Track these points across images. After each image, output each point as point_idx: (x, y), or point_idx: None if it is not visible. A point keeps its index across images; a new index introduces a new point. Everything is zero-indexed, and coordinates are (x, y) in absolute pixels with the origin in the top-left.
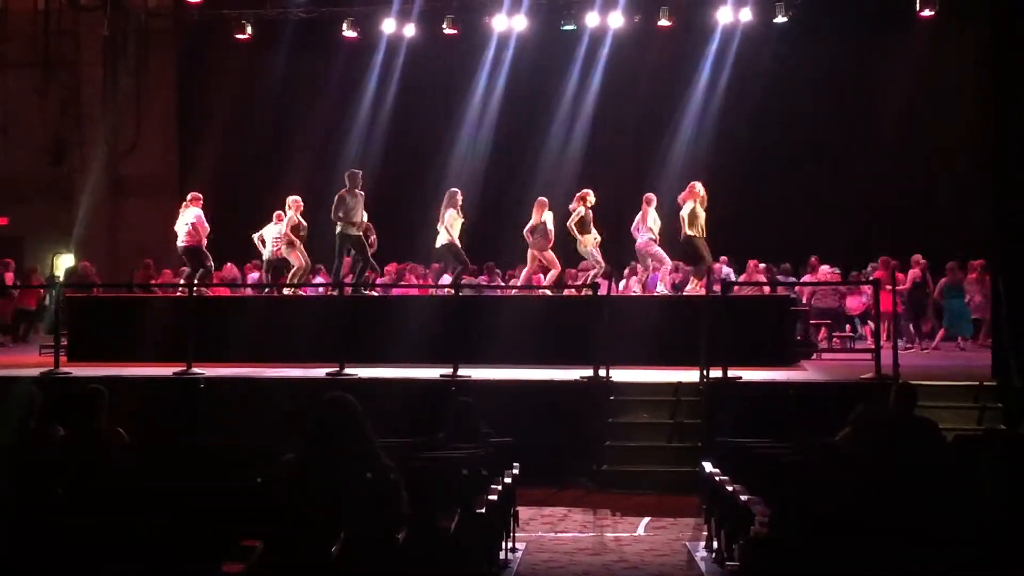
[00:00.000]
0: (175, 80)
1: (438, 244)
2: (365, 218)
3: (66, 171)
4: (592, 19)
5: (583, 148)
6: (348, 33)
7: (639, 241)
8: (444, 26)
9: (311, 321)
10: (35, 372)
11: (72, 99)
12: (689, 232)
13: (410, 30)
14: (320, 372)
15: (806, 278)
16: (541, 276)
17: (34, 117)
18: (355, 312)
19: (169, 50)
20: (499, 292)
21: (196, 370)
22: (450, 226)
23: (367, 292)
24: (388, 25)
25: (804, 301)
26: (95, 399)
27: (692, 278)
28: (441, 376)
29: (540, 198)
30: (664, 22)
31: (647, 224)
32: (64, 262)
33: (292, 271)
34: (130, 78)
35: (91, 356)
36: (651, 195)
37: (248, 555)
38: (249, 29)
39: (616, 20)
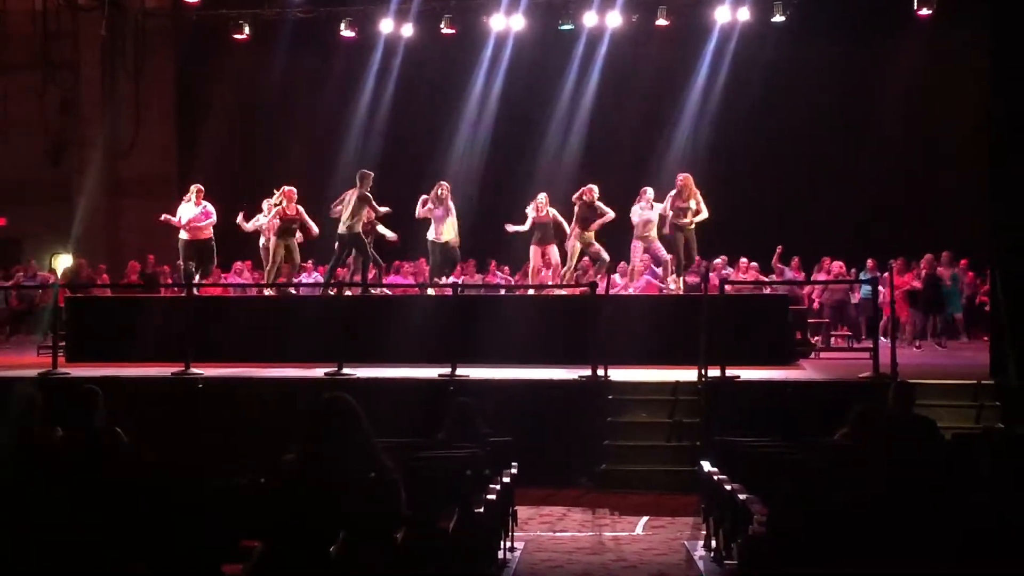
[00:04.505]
0: (174, 80)
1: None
2: (373, 216)
3: (65, 172)
4: (590, 18)
5: (580, 147)
6: (346, 33)
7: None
8: (442, 26)
9: (309, 321)
10: (33, 373)
11: (71, 100)
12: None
13: (408, 30)
14: (319, 372)
15: (818, 276)
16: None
17: (33, 118)
18: (354, 312)
19: (168, 50)
20: (503, 292)
21: (195, 370)
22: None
23: (376, 291)
24: (386, 25)
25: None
26: (93, 399)
27: (675, 272)
28: (440, 376)
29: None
30: (662, 21)
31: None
32: (63, 262)
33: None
34: (129, 79)
35: (90, 356)
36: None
37: (247, 556)
38: (247, 29)
39: (614, 19)
